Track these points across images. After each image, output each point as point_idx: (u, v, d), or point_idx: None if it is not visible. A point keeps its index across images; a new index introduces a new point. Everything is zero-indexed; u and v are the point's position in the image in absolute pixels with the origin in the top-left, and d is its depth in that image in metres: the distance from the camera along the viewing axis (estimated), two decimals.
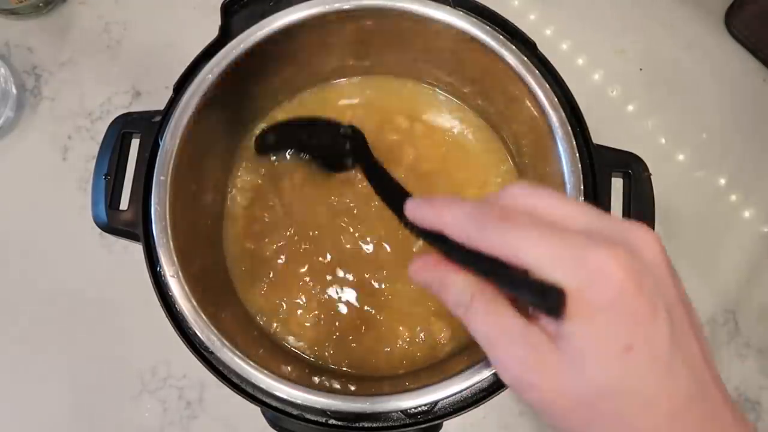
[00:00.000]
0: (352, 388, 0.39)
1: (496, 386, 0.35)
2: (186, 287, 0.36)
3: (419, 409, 0.34)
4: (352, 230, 0.45)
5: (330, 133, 0.44)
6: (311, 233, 0.45)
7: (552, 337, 0.23)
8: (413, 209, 0.27)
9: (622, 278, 0.22)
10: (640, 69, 0.56)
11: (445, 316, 0.43)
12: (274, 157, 0.46)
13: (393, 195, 0.32)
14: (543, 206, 0.25)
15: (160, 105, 0.39)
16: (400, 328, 0.43)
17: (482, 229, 0.24)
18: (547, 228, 0.23)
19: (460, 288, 0.25)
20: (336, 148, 0.44)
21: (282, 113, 0.48)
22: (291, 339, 0.43)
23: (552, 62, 0.39)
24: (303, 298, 0.44)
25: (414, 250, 0.44)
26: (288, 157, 0.46)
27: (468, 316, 0.25)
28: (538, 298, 0.22)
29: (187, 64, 0.39)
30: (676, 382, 0.23)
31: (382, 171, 0.35)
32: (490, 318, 0.24)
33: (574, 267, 0.22)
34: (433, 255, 0.27)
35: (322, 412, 0.35)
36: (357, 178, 0.45)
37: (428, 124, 0.47)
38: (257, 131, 0.46)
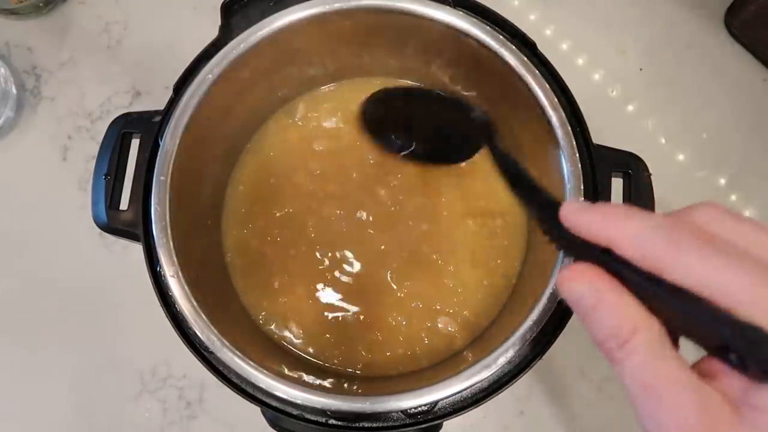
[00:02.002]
0: (352, 387, 0.39)
1: (496, 386, 0.35)
2: (186, 287, 0.36)
3: (419, 409, 0.34)
4: (353, 229, 0.45)
5: (461, 113, 0.38)
6: (312, 232, 0.45)
7: (734, 406, 0.19)
8: (574, 213, 0.22)
9: None
10: (640, 69, 0.56)
11: (449, 313, 0.43)
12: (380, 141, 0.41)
13: (532, 194, 0.28)
14: (748, 236, 0.19)
15: (160, 105, 0.39)
16: (402, 328, 0.43)
17: (675, 248, 0.19)
18: (764, 265, 0.18)
19: (622, 314, 0.20)
20: (461, 131, 0.39)
21: (282, 113, 0.48)
22: (291, 338, 0.43)
23: (552, 62, 0.39)
24: (304, 297, 0.44)
25: (423, 249, 0.44)
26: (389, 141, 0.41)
27: (622, 355, 0.20)
28: (747, 346, 0.17)
29: (187, 64, 0.39)
30: None
31: (516, 165, 0.31)
32: (657, 363, 0.19)
33: None
34: (594, 266, 0.21)
35: (322, 412, 0.35)
36: (361, 178, 0.45)
37: None
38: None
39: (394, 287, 0.44)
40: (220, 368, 0.36)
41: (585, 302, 0.21)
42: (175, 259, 0.36)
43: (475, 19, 0.39)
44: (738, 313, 0.18)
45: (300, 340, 0.43)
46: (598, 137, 0.38)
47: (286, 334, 0.44)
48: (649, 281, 0.19)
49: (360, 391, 0.39)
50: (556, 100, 0.38)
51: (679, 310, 0.19)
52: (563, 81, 0.39)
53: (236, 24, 0.39)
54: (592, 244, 0.21)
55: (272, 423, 0.36)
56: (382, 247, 0.44)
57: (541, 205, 0.25)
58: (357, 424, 0.35)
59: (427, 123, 0.40)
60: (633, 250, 0.20)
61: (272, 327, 0.44)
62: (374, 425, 0.35)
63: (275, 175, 0.46)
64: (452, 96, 0.40)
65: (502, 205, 0.45)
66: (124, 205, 0.38)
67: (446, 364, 0.42)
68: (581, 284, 0.21)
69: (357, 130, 0.45)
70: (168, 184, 0.37)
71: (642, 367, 0.19)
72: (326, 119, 0.47)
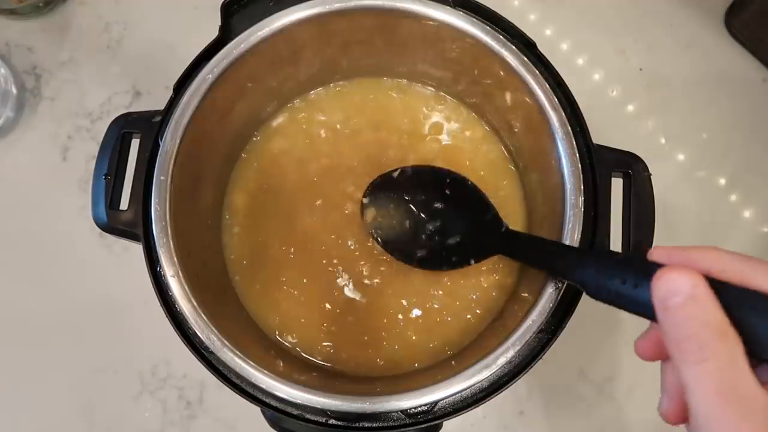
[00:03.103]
0: (352, 387, 0.39)
1: (496, 386, 0.35)
2: (186, 287, 0.36)
3: (419, 409, 0.34)
4: (356, 229, 0.45)
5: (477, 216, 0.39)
6: (313, 233, 0.45)
7: None
8: (665, 253, 0.24)
9: None
10: (640, 69, 0.56)
11: (450, 314, 0.43)
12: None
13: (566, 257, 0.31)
14: None
15: (160, 105, 0.39)
16: (403, 329, 0.43)
17: (753, 264, 0.21)
18: None
19: (711, 316, 0.20)
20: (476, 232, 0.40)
21: (282, 113, 0.48)
22: (291, 338, 0.43)
23: (552, 62, 0.39)
24: (304, 297, 0.44)
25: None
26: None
27: (700, 357, 0.20)
28: None
29: (187, 64, 0.39)
30: None
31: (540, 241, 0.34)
32: (729, 373, 0.19)
33: None
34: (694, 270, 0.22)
35: (322, 412, 0.35)
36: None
37: (428, 125, 0.47)
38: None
39: (396, 288, 0.44)
40: (220, 368, 0.36)
41: (677, 299, 0.21)
42: (175, 259, 0.36)
43: (475, 19, 0.39)
44: None
45: (300, 340, 0.43)
46: (598, 137, 0.38)
47: (287, 334, 0.43)
48: (739, 288, 0.21)
49: (360, 391, 0.39)
50: (556, 100, 0.38)
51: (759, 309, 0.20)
52: (563, 81, 0.39)
53: (236, 24, 0.39)
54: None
55: (272, 423, 0.36)
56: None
57: (618, 263, 0.27)
58: (357, 424, 0.35)
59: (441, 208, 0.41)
60: (718, 267, 0.21)
61: (272, 327, 0.44)
62: (374, 425, 0.35)
63: (276, 175, 0.46)
64: (474, 189, 0.41)
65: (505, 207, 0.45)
66: (124, 205, 0.38)
67: (446, 364, 0.42)
68: (682, 278, 0.21)
69: (358, 132, 0.46)
70: (168, 184, 0.37)
71: (718, 373, 0.19)
72: (327, 119, 0.47)
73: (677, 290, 0.21)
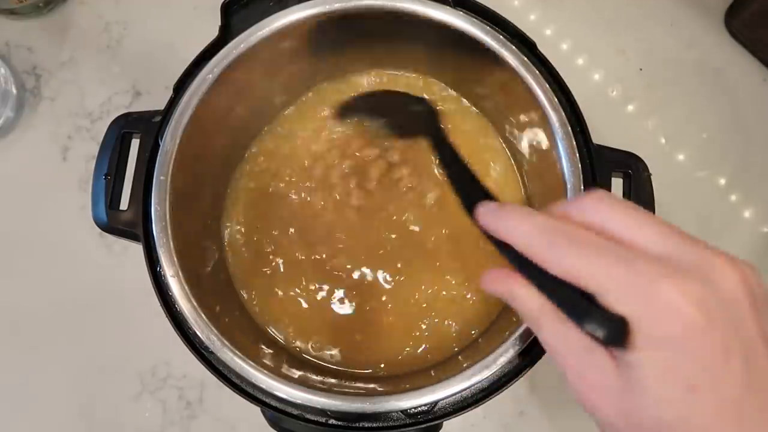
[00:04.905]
0: (353, 387, 0.39)
1: (496, 386, 0.35)
2: (186, 287, 0.36)
3: (419, 409, 0.34)
4: (356, 229, 0.45)
5: (404, 103, 0.41)
6: (314, 232, 0.45)
7: (616, 361, 0.23)
8: (484, 216, 0.27)
9: (691, 314, 0.21)
10: (640, 69, 0.56)
11: (449, 314, 0.43)
12: (352, 119, 0.44)
13: (466, 187, 0.31)
14: (618, 225, 0.24)
15: (160, 105, 0.39)
16: (403, 328, 0.43)
17: (551, 247, 0.24)
18: (618, 254, 0.23)
19: (527, 302, 0.26)
20: (408, 119, 0.41)
21: (282, 113, 0.48)
22: (291, 338, 0.43)
23: (552, 62, 0.39)
24: (304, 297, 0.44)
25: (425, 249, 0.44)
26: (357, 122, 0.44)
27: (537, 329, 0.26)
28: (599, 327, 0.23)
29: (187, 64, 0.39)
30: (747, 427, 0.21)
31: (455, 155, 0.33)
32: (557, 334, 0.25)
33: (641, 298, 0.22)
34: (505, 267, 0.27)
35: (322, 412, 0.35)
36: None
37: None
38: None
39: (396, 288, 0.44)
40: (220, 368, 0.36)
41: (504, 297, 0.27)
42: (175, 259, 0.36)
43: (475, 19, 0.39)
44: (593, 294, 0.23)
45: (300, 340, 0.43)
46: (598, 137, 0.38)
47: (286, 333, 0.44)
48: (539, 273, 0.25)
49: (360, 391, 0.39)
50: (556, 100, 0.38)
51: (556, 297, 0.25)
52: (563, 81, 0.39)
53: (236, 24, 0.39)
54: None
55: (272, 423, 0.36)
56: (387, 247, 0.44)
57: (470, 199, 0.29)
58: (357, 424, 0.35)
59: (394, 113, 0.42)
60: (523, 250, 0.25)
61: (272, 327, 0.44)
62: (374, 425, 0.35)
63: (276, 175, 0.46)
64: (406, 93, 0.43)
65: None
66: (124, 205, 0.38)
67: (446, 364, 0.42)
68: (498, 286, 0.27)
69: (352, 128, 0.45)
70: (168, 184, 0.37)
71: (550, 337, 0.25)
72: (327, 119, 0.47)
73: (501, 292, 0.27)
